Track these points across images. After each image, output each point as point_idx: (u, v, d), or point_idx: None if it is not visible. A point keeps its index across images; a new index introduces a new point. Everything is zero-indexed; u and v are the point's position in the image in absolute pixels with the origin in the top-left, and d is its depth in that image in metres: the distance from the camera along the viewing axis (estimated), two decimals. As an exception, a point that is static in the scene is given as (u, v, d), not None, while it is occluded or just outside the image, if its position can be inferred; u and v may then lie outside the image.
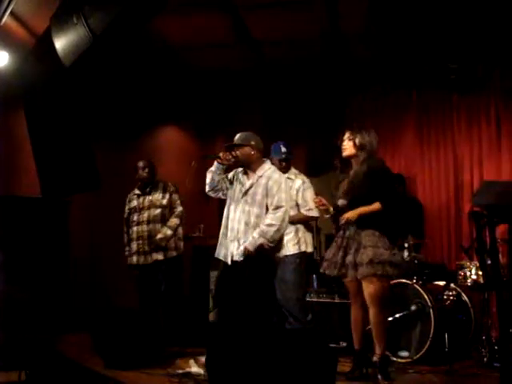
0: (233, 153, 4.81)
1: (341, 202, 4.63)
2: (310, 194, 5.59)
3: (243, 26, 6.52)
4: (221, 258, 4.78)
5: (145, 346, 5.06)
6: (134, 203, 6.17)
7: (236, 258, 4.65)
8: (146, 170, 6.12)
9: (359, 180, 4.53)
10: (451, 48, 6.54)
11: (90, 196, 6.35)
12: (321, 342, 3.64)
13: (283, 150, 5.62)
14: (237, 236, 4.69)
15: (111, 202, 7.01)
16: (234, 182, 4.89)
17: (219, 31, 6.57)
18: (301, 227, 5.60)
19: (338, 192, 4.70)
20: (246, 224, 4.68)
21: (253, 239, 4.57)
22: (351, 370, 4.57)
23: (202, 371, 4.50)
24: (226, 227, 4.79)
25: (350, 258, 4.50)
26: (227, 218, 4.82)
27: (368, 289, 4.42)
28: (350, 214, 4.48)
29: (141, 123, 7.72)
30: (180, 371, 4.69)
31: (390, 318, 4.94)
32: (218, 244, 4.84)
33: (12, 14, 5.37)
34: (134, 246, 6.04)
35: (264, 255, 4.64)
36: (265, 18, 6.32)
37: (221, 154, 4.81)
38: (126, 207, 6.24)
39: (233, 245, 4.69)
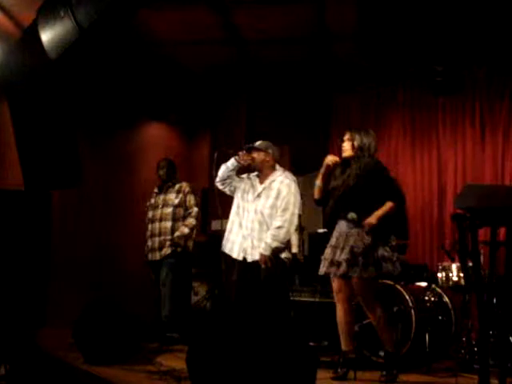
0: (251, 155, 5.13)
1: (351, 215, 4.58)
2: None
3: (230, 23, 6.51)
4: (227, 251, 5.16)
5: (125, 341, 5.04)
6: (152, 201, 6.35)
7: (249, 257, 5.02)
8: (164, 170, 6.31)
9: (360, 182, 4.54)
10: (438, 50, 6.57)
11: (73, 191, 6.32)
12: (302, 340, 3.64)
13: None
14: (251, 234, 5.04)
15: (96, 197, 6.99)
16: (244, 185, 5.21)
17: (206, 28, 6.54)
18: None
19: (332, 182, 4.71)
20: (260, 224, 5.04)
21: (266, 245, 4.94)
22: (338, 371, 4.54)
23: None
24: (239, 224, 5.14)
25: (343, 256, 4.50)
26: (238, 215, 5.18)
27: (359, 287, 4.48)
28: (373, 220, 4.45)
29: (125, 119, 7.69)
30: (163, 368, 4.68)
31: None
32: (225, 239, 5.20)
33: (-2, 5, 5.34)
34: (149, 243, 6.21)
35: (277, 257, 4.98)
36: (252, 15, 6.31)
37: (240, 153, 5.11)
38: (147, 203, 6.41)
39: (246, 242, 5.06)
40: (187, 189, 6.25)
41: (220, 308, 6.40)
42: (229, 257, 5.18)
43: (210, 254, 7.07)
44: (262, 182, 5.17)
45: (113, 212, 7.25)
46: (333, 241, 4.64)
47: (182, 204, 6.18)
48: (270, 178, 5.13)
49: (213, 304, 6.91)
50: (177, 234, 6.06)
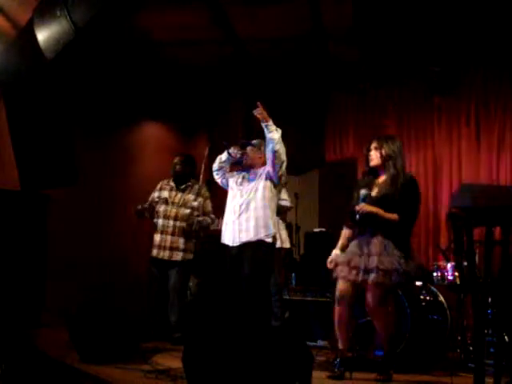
0: (244, 150, 5.14)
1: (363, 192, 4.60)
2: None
3: (227, 23, 6.51)
4: (225, 242, 5.09)
5: (122, 341, 5.04)
6: (165, 194, 6.14)
7: (237, 240, 4.96)
8: (180, 164, 6.14)
9: (393, 194, 4.51)
10: (434, 50, 6.59)
11: (70, 190, 6.30)
12: (297, 339, 3.65)
13: None
14: (239, 216, 4.99)
15: (94, 197, 6.99)
16: (235, 178, 5.20)
17: (203, 27, 6.54)
18: (276, 224, 5.64)
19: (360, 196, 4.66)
20: (247, 204, 4.99)
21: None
22: (335, 370, 4.53)
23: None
24: (230, 212, 5.10)
25: (360, 262, 4.50)
26: (231, 204, 5.13)
27: (373, 294, 4.46)
28: (367, 207, 4.47)
29: (123, 118, 7.67)
30: (159, 367, 4.68)
31: (369, 318, 4.96)
32: (223, 231, 5.14)
33: (-6, 4, 5.34)
34: (158, 239, 6.04)
35: (261, 241, 4.91)
36: (249, 14, 6.31)
37: (232, 147, 5.13)
38: (156, 194, 6.20)
39: (235, 226, 4.99)
40: (207, 194, 6.16)
41: (216, 306, 6.39)
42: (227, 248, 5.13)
43: (206, 252, 7.08)
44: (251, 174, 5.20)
45: (111, 211, 7.24)
46: (353, 246, 4.63)
47: (200, 208, 6.08)
48: (260, 170, 5.13)
49: (209, 302, 6.91)
50: (199, 218, 5.98)
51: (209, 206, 6.13)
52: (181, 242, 5.98)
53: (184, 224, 5.98)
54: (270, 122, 4.95)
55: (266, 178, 4.99)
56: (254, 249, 4.90)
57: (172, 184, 6.19)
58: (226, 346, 3.50)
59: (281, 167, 4.99)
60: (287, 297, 6.08)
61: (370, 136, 7.36)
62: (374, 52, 6.97)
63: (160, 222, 6.06)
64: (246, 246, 4.93)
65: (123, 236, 7.09)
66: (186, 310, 6.22)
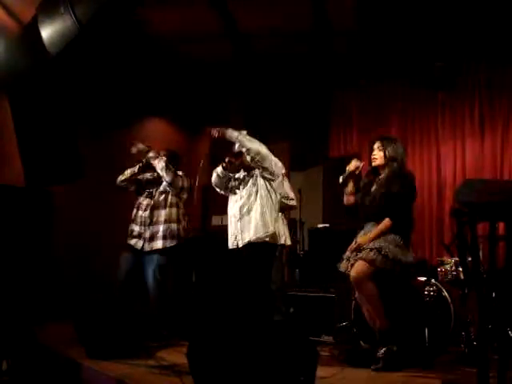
0: (240, 158, 5.10)
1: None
2: (287, 184, 5.69)
3: (230, 18, 6.51)
4: (229, 244, 5.10)
5: (127, 336, 5.05)
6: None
7: (240, 242, 4.96)
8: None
9: (387, 192, 4.62)
10: (437, 46, 6.59)
11: (75, 185, 6.31)
12: (301, 334, 3.66)
13: None
14: (239, 220, 5.02)
15: (96, 192, 7.00)
16: (239, 184, 5.19)
17: (206, 23, 6.56)
18: (279, 219, 5.63)
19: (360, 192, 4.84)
20: (242, 207, 5.03)
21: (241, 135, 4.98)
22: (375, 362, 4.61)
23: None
24: (233, 216, 5.11)
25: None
26: (233, 205, 5.15)
27: (353, 270, 4.54)
28: (363, 240, 4.61)
29: (127, 115, 7.68)
30: (164, 363, 4.70)
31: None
32: (229, 236, 5.13)
33: (-2, 1, 5.35)
34: (136, 228, 5.92)
35: (262, 243, 4.91)
36: (251, 9, 6.31)
37: (226, 160, 5.11)
38: (148, 175, 6.05)
39: (236, 229, 5.03)
40: (180, 172, 5.96)
41: (219, 303, 6.41)
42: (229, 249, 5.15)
43: (209, 249, 7.09)
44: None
45: (112, 207, 7.25)
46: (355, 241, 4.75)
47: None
48: (256, 172, 5.14)
49: (213, 299, 6.93)
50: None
51: (184, 181, 5.94)
52: (161, 229, 5.83)
53: (162, 211, 5.86)
54: (238, 136, 4.96)
55: (261, 178, 5.03)
56: (254, 248, 4.93)
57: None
58: (230, 341, 3.52)
59: (269, 163, 5.00)
60: (292, 293, 6.08)
61: (373, 132, 7.43)
62: (377, 48, 6.96)
63: (140, 213, 5.93)
64: (246, 246, 4.96)
65: (126, 233, 7.08)
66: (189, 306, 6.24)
